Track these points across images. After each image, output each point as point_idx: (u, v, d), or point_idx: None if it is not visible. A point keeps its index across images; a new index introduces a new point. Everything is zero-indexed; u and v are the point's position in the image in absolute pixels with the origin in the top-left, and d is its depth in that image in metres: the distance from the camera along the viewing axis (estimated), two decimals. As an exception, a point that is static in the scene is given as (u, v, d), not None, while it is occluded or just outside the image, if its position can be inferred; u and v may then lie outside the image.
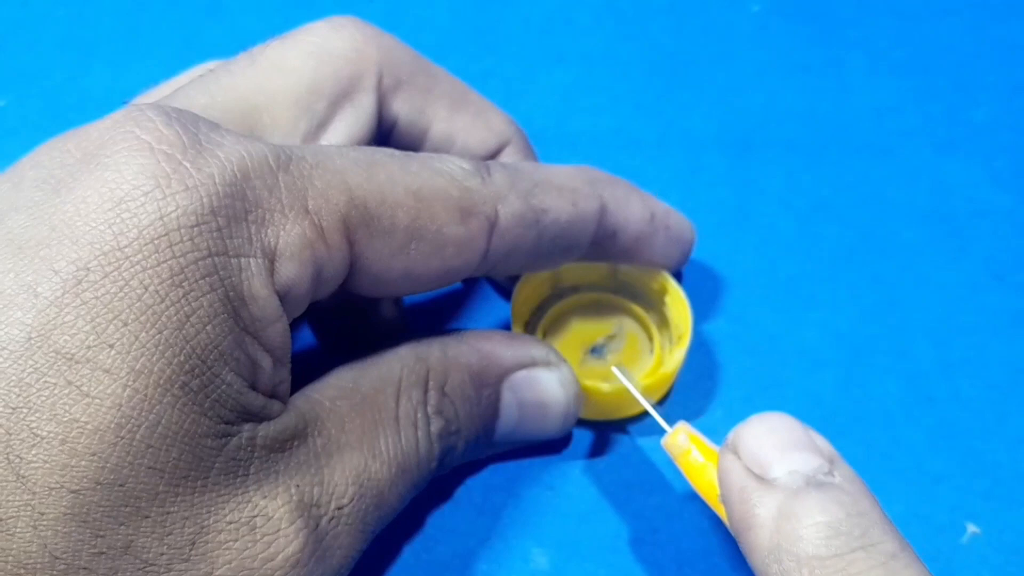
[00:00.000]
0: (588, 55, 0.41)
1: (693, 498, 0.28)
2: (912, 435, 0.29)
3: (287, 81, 0.25)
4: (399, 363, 0.25)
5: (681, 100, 0.39)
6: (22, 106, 0.39)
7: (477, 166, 0.24)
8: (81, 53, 0.42)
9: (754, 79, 0.40)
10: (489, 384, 0.26)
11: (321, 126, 0.26)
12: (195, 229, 0.19)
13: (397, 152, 0.24)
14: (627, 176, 0.37)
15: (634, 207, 0.28)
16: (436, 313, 0.32)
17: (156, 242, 0.19)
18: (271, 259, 0.21)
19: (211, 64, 0.27)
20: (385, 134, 0.28)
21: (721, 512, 0.23)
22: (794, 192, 0.36)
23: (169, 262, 0.19)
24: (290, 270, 0.21)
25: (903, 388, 0.30)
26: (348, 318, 0.28)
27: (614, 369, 0.28)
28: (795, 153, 0.37)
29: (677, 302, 0.30)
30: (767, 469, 0.21)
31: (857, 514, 0.20)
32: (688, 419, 0.29)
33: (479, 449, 0.27)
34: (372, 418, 0.23)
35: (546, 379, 0.27)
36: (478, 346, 0.26)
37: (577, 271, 0.31)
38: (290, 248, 0.21)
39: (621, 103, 0.39)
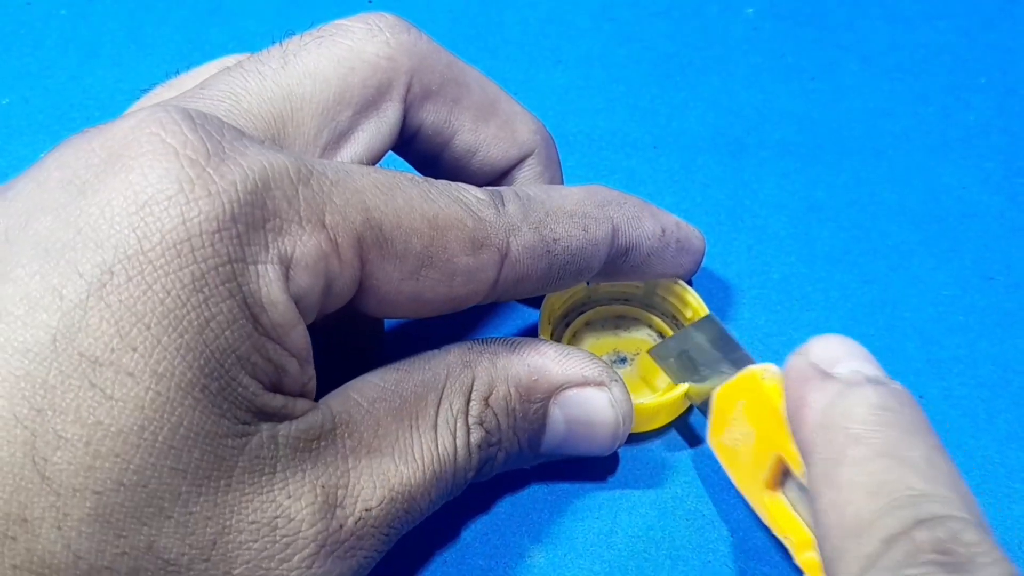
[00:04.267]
0: (585, 58, 0.42)
1: (687, 495, 0.28)
2: (903, 433, 0.29)
3: (315, 90, 0.25)
4: (445, 369, 0.25)
5: (676, 102, 0.40)
6: (25, 105, 0.40)
7: (492, 196, 0.24)
8: (84, 52, 0.42)
9: (748, 81, 0.40)
10: (537, 399, 0.25)
11: (343, 136, 0.26)
12: (216, 235, 0.20)
13: (418, 177, 0.24)
14: (623, 177, 0.37)
15: (645, 225, 0.27)
16: (460, 317, 0.32)
17: (178, 247, 0.19)
18: (286, 267, 0.21)
19: (241, 56, 0.26)
20: (407, 140, 0.28)
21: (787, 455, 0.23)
22: (788, 193, 0.36)
23: (191, 267, 0.19)
24: (303, 279, 0.21)
25: (894, 387, 0.30)
26: (326, 330, 0.28)
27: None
28: (789, 155, 0.37)
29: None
30: (832, 365, 0.22)
31: (909, 405, 0.21)
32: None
33: (522, 460, 0.27)
34: (409, 424, 0.23)
35: (596, 399, 0.26)
36: (529, 359, 0.26)
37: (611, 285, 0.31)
38: (305, 258, 0.21)
39: (617, 105, 0.40)
